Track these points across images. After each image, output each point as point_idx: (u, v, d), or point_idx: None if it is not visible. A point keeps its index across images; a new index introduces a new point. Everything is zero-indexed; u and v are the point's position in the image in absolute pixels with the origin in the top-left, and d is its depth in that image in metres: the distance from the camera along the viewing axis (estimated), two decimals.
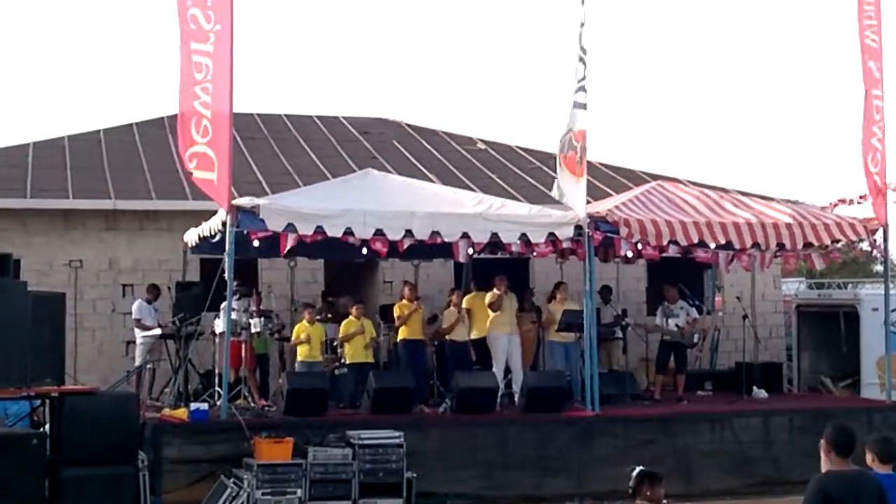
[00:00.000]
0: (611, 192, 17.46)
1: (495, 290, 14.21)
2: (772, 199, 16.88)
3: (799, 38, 60.00)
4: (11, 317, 9.81)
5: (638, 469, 6.95)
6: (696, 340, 15.63)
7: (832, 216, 15.44)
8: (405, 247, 12.98)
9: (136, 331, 15.03)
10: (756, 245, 13.97)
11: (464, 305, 14.44)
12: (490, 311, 14.24)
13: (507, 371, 14.35)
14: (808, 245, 14.31)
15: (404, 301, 14.37)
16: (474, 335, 14.37)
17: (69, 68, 57.49)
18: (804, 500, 5.83)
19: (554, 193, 14.36)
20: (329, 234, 12.35)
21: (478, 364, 14.30)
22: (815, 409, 14.10)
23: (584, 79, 13.24)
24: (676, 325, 15.02)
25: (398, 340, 14.29)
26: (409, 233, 12.60)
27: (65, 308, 11.03)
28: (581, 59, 13.27)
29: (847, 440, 5.96)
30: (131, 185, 16.98)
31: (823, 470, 5.97)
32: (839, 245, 15.29)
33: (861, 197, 14.58)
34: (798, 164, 57.18)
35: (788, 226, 13.98)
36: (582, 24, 13.32)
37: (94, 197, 16.47)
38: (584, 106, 13.24)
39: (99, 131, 19.78)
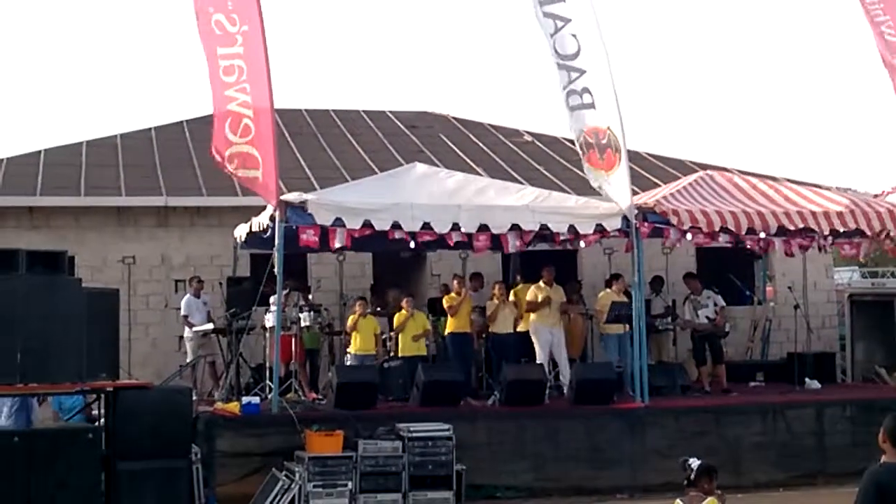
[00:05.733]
0: (659, 182, 17.35)
1: (542, 283, 14.18)
2: (822, 187, 16.65)
3: (846, 28, 59.18)
4: (67, 313, 9.96)
5: (699, 462, 6.96)
6: (727, 329, 15.46)
7: (885, 203, 15.19)
8: (454, 241, 12.98)
9: (185, 327, 15.21)
10: (810, 231, 13.77)
11: (511, 298, 14.43)
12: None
13: (554, 364, 14.31)
14: (859, 232, 14.10)
15: (453, 294, 14.41)
16: (521, 328, 14.36)
17: (122, 68, 58.25)
18: (858, 490, 5.78)
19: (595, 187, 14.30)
20: (377, 228, 12.39)
21: (524, 356, 14.27)
22: (869, 400, 13.92)
23: (571, 82, 13.24)
24: (707, 317, 14.88)
25: (446, 333, 14.32)
26: (456, 226, 12.61)
27: (118, 304, 11.15)
28: (561, 66, 13.27)
29: None
30: (182, 181, 17.20)
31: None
32: (892, 234, 15.06)
33: None
34: (850, 152, 56.44)
35: (840, 214, 13.79)
36: (552, 35, 13.27)
37: (146, 194, 16.74)
38: (591, 105, 13.21)
39: (150, 129, 20.05)
